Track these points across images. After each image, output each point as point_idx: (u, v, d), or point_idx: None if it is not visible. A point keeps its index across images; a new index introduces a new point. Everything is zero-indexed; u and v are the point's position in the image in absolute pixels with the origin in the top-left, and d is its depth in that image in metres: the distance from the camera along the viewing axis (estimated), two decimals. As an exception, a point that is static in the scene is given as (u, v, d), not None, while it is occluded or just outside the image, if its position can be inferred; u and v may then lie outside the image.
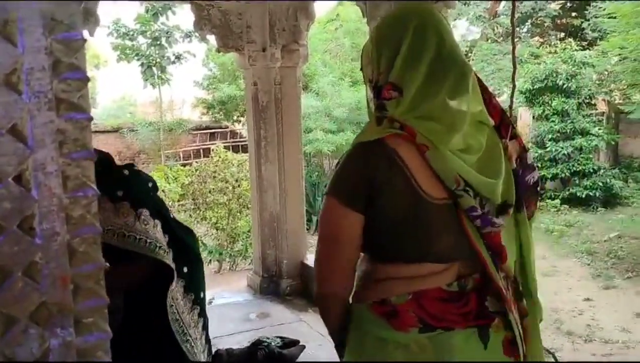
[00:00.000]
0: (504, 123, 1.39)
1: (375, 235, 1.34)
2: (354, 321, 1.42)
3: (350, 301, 1.45)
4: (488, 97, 1.38)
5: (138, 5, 14.23)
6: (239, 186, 8.43)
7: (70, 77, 0.78)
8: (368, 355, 1.37)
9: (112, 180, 1.79)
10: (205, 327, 2.16)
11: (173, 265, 1.93)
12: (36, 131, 0.76)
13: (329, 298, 1.43)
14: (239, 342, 3.56)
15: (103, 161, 1.80)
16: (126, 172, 1.88)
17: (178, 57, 15.68)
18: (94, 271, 0.82)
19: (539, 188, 1.49)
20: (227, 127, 16.42)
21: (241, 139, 14.83)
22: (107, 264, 0.86)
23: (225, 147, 10.50)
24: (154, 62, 15.35)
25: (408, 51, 1.26)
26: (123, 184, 1.83)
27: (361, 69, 1.43)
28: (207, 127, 15.99)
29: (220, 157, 8.94)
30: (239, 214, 8.48)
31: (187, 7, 4.54)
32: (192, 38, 15.17)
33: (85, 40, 0.79)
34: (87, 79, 0.79)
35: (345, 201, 1.31)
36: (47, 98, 0.76)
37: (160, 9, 14.11)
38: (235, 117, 16.92)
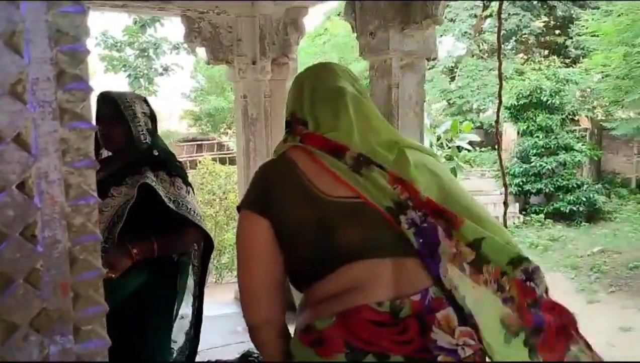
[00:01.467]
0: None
1: (286, 250, 1.30)
2: (290, 358, 1.31)
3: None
4: None
5: (126, 17, 14.25)
6: (226, 198, 8.41)
7: (74, 88, 0.79)
8: None
9: (171, 164, 2.23)
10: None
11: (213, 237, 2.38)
12: (40, 140, 0.77)
13: (260, 329, 1.34)
14: (227, 354, 3.54)
15: (171, 152, 2.32)
16: (178, 163, 2.31)
17: (166, 69, 15.69)
18: (93, 279, 0.83)
19: None
20: (214, 139, 16.43)
21: (229, 152, 14.83)
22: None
23: (212, 159, 10.49)
24: (142, 73, 15.34)
25: (305, 100, 1.44)
26: (176, 169, 2.24)
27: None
28: (194, 139, 15.99)
29: (207, 169, 8.92)
30: (225, 226, 8.46)
31: (175, 19, 4.57)
32: (180, 50, 15.20)
33: (89, 52, 0.81)
34: (91, 90, 0.81)
35: (248, 207, 1.34)
36: (52, 108, 0.78)
37: (148, 21, 14.13)
38: (222, 129, 16.94)
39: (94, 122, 0.82)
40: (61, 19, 0.78)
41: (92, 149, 0.83)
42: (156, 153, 2.19)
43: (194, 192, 2.28)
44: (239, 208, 1.37)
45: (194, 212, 2.17)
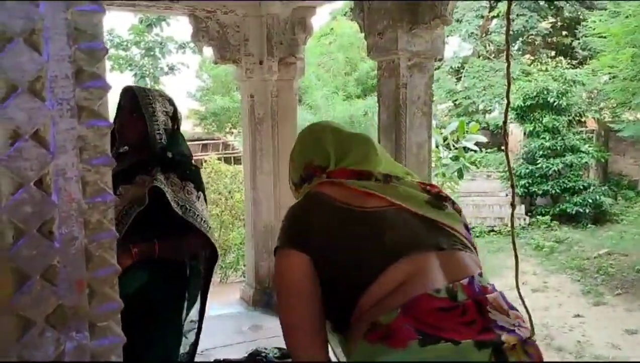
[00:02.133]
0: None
1: (332, 271, 1.33)
2: None
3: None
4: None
5: (132, 16, 14.29)
6: (231, 197, 8.43)
7: (92, 86, 0.80)
8: None
9: (185, 166, 2.18)
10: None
11: (217, 246, 2.33)
12: (58, 137, 0.78)
13: None
14: (233, 353, 3.54)
15: (189, 155, 2.26)
16: (194, 167, 2.26)
17: (171, 68, 15.70)
18: (109, 275, 0.84)
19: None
20: (219, 138, 16.45)
21: (234, 151, 14.85)
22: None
23: (218, 158, 10.51)
24: (147, 72, 15.36)
25: (329, 146, 1.54)
26: (190, 173, 2.19)
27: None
28: (199, 139, 16.00)
29: (213, 168, 8.94)
30: (231, 226, 8.48)
31: (182, 18, 4.57)
32: (186, 49, 15.23)
33: (107, 50, 0.81)
34: (108, 88, 0.81)
35: (286, 245, 1.39)
36: (70, 105, 0.78)
37: (154, 20, 14.16)
38: (227, 129, 16.96)
39: (111, 120, 0.83)
40: (79, 17, 0.78)
41: (109, 147, 0.83)
42: (170, 155, 2.14)
43: (205, 198, 2.23)
44: (276, 249, 1.43)
45: (202, 219, 2.13)
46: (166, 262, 2.11)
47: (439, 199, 1.44)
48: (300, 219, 1.41)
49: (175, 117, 2.22)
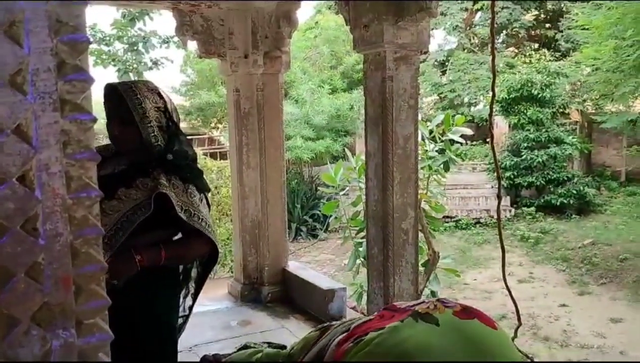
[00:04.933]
0: None
1: None
2: None
3: None
4: None
5: (114, 10, 14.12)
6: (218, 193, 8.40)
7: (75, 79, 0.78)
8: None
9: (187, 167, 2.08)
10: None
11: (220, 249, 2.26)
12: (40, 132, 0.76)
13: None
14: (221, 349, 3.53)
15: (188, 155, 2.13)
16: (195, 168, 2.17)
17: (155, 63, 15.53)
18: (95, 272, 0.82)
19: None
20: (205, 134, 16.36)
21: (219, 146, 14.78)
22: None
23: (203, 154, 10.46)
24: (131, 68, 15.18)
25: None
26: (195, 173, 2.11)
27: None
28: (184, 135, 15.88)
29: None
30: (217, 221, 8.44)
31: (165, 12, 4.52)
32: (170, 44, 15.06)
33: (90, 42, 0.79)
34: (92, 81, 0.80)
35: None
36: (52, 99, 0.76)
37: (137, 14, 14.00)
38: (213, 124, 16.88)
39: (94, 114, 0.81)
40: (61, 8, 0.76)
41: (93, 141, 0.82)
42: (170, 157, 2.02)
43: (207, 200, 2.15)
44: None
45: (206, 223, 2.04)
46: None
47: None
48: None
49: (168, 109, 2.07)
